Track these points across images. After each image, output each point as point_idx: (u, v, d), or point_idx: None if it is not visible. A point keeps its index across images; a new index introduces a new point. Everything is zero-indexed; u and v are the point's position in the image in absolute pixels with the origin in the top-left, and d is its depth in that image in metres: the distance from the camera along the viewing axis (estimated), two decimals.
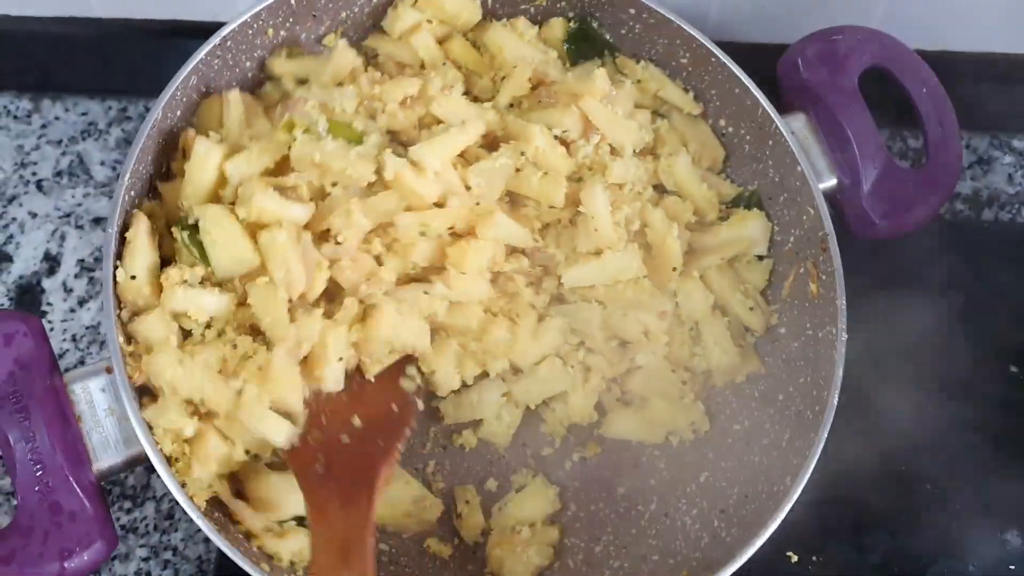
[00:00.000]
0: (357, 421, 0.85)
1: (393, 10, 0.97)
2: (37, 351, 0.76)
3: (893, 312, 1.05)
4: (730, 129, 0.99)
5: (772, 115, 0.94)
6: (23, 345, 0.75)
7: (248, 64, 0.93)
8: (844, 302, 0.88)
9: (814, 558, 0.97)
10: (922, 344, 1.04)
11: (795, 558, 0.97)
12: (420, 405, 0.90)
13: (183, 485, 0.78)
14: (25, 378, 0.75)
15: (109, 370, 0.77)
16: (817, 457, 0.84)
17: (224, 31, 0.87)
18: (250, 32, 0.90)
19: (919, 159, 1.15)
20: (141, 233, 0.82)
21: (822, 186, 0.95)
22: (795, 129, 0.95)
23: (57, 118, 1.17)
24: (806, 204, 0.93)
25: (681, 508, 0.94)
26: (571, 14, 1.01)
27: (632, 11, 0.98)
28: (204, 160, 0.85)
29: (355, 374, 0.87)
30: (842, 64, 0.96)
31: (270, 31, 0.92)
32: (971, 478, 1.01)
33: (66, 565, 0.74)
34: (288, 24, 0.93)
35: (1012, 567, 0.98)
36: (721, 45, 0.96)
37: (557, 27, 1.01)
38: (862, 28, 0.98)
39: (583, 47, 1.01)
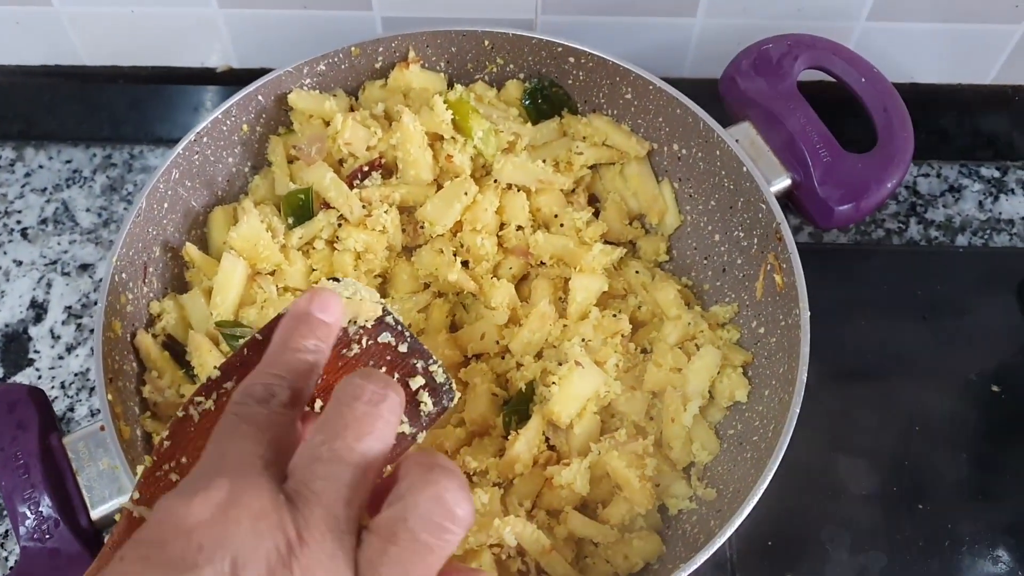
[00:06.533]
0: None
1: (362, 92, 1.07)
2: (37, 415, 0.83)
3: (875, 335, 1.08)
4: (684, 152, 1.03)
5: (712, 125, 0.98)
6: (24, 411, 0.83)
7: (231, 160, 1.04)
8: (803, 282, 0.89)
9: None
10: (903, 366, 1.06)
11: None
12: None
13: None
14: (25, 439, 0.82)
15: (103, 428, 0.84)
16: (792, 431, 0.83)
17: (198, 127, 0.98)
18: (224, 128, 1.01)
19: None
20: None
21: (778, 185, 0.98)
22: (741, 137, 0.98)
23: (41, 166, 1.18)
24: (759, 202, 0.95)
25: (682, 518, 0.93)
26: (521, 75, 1.09)
27: (572, 59, 1.04)
28: (231, 274, 0.95)
29: None
30: (776, 69, 1.00)
31: (245, 127, 1.03)
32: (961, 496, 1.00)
33: None
34: (263, 120, 1.04)
35: None
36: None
37: (514, 89, 1.09)
38: (792, 35, 1.02)
39: (541, 106, 1.08)
